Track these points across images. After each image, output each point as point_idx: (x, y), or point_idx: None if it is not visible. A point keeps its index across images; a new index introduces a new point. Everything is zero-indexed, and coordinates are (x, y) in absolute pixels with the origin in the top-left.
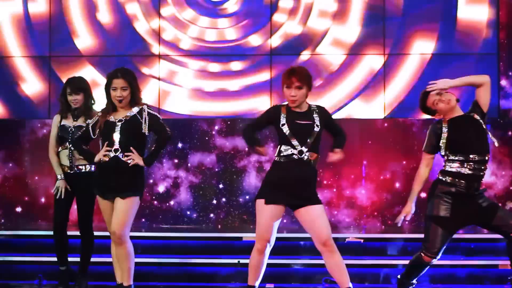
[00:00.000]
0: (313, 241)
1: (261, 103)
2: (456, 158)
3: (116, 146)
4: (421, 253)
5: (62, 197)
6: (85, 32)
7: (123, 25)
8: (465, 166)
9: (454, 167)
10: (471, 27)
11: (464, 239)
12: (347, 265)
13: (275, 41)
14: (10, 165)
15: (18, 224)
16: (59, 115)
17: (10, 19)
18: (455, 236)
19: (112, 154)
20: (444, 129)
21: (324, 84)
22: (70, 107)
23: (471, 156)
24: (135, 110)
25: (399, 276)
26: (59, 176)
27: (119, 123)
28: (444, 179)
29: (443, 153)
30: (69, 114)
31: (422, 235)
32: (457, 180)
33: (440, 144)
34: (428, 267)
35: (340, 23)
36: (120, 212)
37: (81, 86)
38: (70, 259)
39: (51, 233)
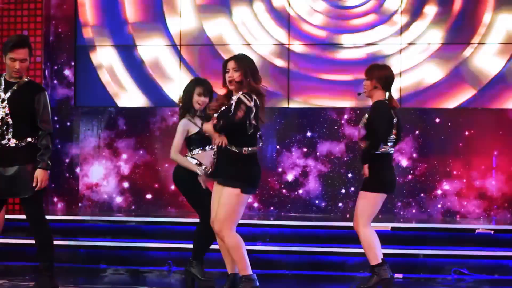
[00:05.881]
0: (442, 232)
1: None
2: None
3: None
4: None
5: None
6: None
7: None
8: None
9: None
10: None
11: None
12: (477, 257)
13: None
14: (141, 152)
15: (148, 211)
16: (190, 116)
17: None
18: None
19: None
20: None
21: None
22: (192, 108)
23: None
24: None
25: None
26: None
27: None
28: None
29: None
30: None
31: None
32: None
33: None
34: None
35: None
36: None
37: (211, 89)
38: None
39: (180, 220)
